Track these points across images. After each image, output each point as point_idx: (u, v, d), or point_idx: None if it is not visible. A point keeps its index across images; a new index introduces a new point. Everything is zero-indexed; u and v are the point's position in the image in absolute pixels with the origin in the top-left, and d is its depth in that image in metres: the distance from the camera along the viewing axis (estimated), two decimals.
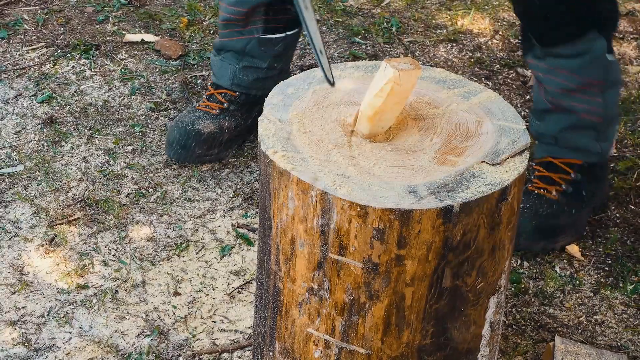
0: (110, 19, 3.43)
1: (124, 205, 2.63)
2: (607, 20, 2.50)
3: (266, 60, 2.78)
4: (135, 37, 3.33)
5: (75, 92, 3.05)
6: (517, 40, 3.43)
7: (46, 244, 2.48)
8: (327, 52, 1.65)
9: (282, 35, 2.76)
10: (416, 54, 3.33)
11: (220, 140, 2.76)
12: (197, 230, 2.56)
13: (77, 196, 2.64)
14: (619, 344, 2.30)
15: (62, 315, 2.29)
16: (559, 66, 2.47)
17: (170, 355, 2.21)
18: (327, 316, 1.64)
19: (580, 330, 2.33)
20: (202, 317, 2.31)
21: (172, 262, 2.46)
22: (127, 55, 3.24)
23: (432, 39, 3.42)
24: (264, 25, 2.74)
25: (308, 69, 3.17)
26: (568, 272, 2.49)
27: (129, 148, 2.83)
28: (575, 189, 2.56)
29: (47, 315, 2.29)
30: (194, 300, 2.36)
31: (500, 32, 3.48)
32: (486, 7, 3.63)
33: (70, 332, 2.25)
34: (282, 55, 2.80)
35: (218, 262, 2.47)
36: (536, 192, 2.57)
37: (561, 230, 2.55)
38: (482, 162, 1.61)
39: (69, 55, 3.22)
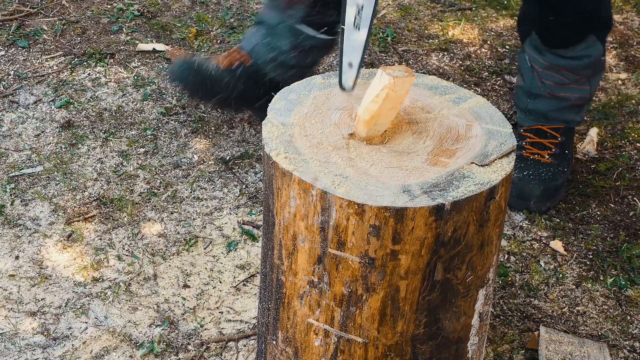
0: (124, 29, 3.43)
1: (137, 203, 2.62)
2: (604, 26, 2.58)
3: (288, 47, 2.68)
4: (147, 47, 3.33)
5: (91, 97, 3.05)
6: (504, 50, 3.42)
7: (64, 239, 2.48)
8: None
9: (312, 34, 2.68)
10: (410, 62, 3.33)
11: (222, 87, 2.66)
12: (205, 227, 2.56)
13: (93, 195, 2.64)
14: (600, 334, 2.30)
15: (78, 307, 2.29)
16: (559, 65, 2.60)
17: (180, 344, 2.21)
18: (326, 307, 1.64)
19: (563, 321, 2.32)
20: (209, 308, 2.31)
21: (181, 257, 2.46)
22: (139, 63, 3.24)
23: (425, 48, 3.42)
24: (301, 16, 2.66)
25: (309, 75, 3.16)
26: (552, 266, 2.49)
27: (142, 150, 2.83)
28: (561, 150, 2.70)
29: (65, 306, 2.29)
30: (202, 292, 2.36)
31: (489, 42, 3.48)
32: (475, 18, 3.62)
33: (86, 322, 2.25)
34: (306, 52, 2.69)
35: (225, 257, 2.47)
36: (531, 157, 2.68)
37: (560, 188, 2.68)
38: (472, 163, 1.61)
39: (85, 63, 3.21)
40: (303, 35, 2.67)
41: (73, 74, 3.17)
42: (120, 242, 2.50)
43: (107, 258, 2.44)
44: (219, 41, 3.39)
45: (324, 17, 2.66)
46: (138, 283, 2.37)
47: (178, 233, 2.53)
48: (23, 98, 3.03)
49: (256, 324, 2.24)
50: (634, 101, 3.17)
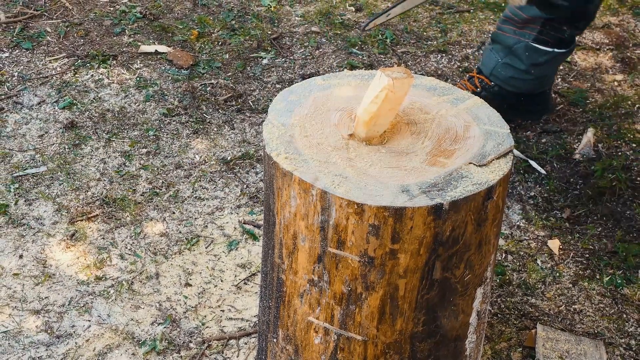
0: (127, 31, 3.43)
1: (139, 203, 2.62)
2: None
3: (526, 65, 2.87)
4: (150, 48, 3.33)
5: (94, 98, 3.05)
6: None
7: (67, 239, 2.48)
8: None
9: (549, 49, 2.85)
10: (409, 63, 3.33)
11: None
12: (206, 226, 2.56)
13: (96, 195, 2.64)
14: (596, 331, 2.30)
15: (82, 305, 2.29)
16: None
17: (181, 342, 2.21)
18: (326, 306, 1.64)
19: (560, 319, 2.33)
20: (211, 307, 2.31)
21: (183, 256, 2.46)
22: (141, 65, 3.24)
23: (424, 49, 3.42)
24: (536, 35, 2.83)
25: (310, 77, 3.17)
26: (549, 265, 2.49)
27: (144, 150, 2.83)
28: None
29: (68, 304, 2.29)
30: (204, 291, 2.36)
31: (486, 44, 3.48)
32: (473, 20, 3.63)
33: (89, 321, 2.25)
34: (543, 66, 2.88)
35: (226, 256, 2.47)
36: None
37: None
38: (470, 163, 1.61)
39: (88, 64, 3.22)
40: (539, 53, 2.85)
41: (76, 75, 3.17)
42: (122, 241, 2.50)
43: (109, 257, 2.44)
44: (220, 43, 3.40)
45: (557, 33, 2.83)
46: (140, 282, 2.37)
47: (180, 232, 2.53)
48: (27, 99, 3.03)
49: (257, 322, 2.24)
50: (629, 102, 3.18)
